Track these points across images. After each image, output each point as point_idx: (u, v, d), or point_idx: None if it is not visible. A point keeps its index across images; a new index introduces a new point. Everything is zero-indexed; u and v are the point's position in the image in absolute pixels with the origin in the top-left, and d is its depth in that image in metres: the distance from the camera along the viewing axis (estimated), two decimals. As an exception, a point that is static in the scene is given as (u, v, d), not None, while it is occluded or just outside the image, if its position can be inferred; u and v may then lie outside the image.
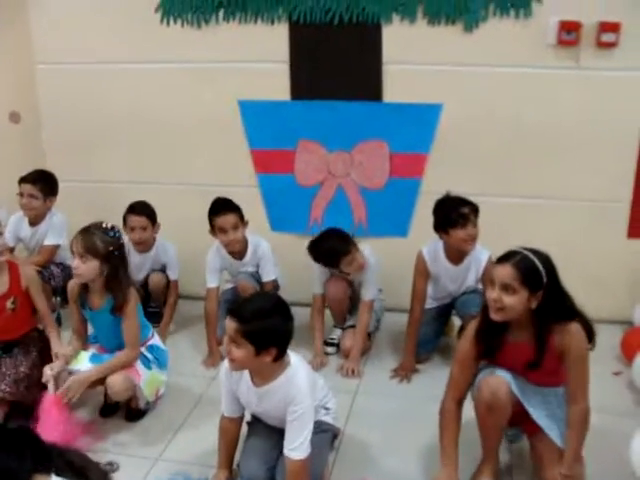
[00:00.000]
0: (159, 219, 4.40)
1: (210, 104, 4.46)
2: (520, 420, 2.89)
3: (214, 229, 4.08)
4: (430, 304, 4.03)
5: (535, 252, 2.70)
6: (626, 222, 4.25)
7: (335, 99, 4.31)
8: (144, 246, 4.41)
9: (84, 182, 4.83)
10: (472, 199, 3.76)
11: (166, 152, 4.64)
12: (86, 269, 3.26)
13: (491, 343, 2.79)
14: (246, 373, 2.83)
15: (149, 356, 3.51)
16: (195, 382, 3.84)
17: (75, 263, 3.26)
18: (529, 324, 2.71)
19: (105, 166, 4.78)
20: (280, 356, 2.71)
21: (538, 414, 2.83)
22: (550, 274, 2.66)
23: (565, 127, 4.12)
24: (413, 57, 4.17)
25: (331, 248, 3.97)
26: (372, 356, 4.16)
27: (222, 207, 4.06)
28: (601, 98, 4.03)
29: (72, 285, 3.46)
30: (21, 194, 4.46)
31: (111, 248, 3.28)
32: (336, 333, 4.26)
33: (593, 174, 4.17)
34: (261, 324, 2.62)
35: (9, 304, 3.46)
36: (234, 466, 3.01)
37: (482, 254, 3.87)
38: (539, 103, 4.11)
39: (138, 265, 4.44)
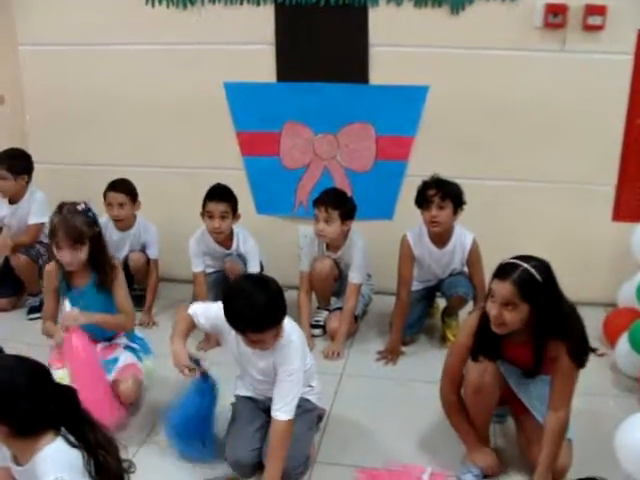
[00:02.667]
0: (144, 202, 4.38)
1: (196, 86, 4.43)
2: (508, 400, 2.91)
3: (204, 212, 4.07)
4: (415, 286, 4.02)
5: (534, 263, 2.61)
6: (611, 205, 4.27)
7: (321, 81, 4.29)
8: (123, 223, 4.37)
9: (67, 164, 4.79)
10: (458, 182, 3.76)
11: (151, 134, 4.61)
12: (78, 258, 3.22)
13: (490, 346, 2.77)
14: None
15: (135, 346, 3.47)
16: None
17: (67, 259, 3.20)
18: (529, 329, 2.68)
19: (89, 149, 4.74)
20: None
21: (526, 396, 2.85)
22: (550, 284, 2.62)
23: (551, 110, 4.12)
24: (399, 39, 4.15)
25: (341, 191, 4.14)
26: (358, 338, 4.16)
27: (217, 194, 4.06)
28: (587, 81, 4.04)
29: (50, 270, 3.38)
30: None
31: (97, 229, 3.26)
32: (321, 315, 4.26)
33: (579, 157, 4.18)
34: (282, 310, 2.71)
35: None
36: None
37: (466, 237, 3.88)
38: (525, 86, 4.10)
39: (117, 243, 4.41)
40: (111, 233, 4.38)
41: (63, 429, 2.24)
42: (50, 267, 3.39)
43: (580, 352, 2.68)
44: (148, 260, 4.46)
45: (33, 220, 4.48)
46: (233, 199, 4.09)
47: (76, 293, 3.33)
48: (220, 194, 4.07)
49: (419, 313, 4.10)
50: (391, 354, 3.91)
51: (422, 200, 3.76)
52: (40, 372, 2.25)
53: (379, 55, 4.21)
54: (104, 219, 4.36)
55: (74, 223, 3.17)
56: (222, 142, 4.51)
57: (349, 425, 3.31)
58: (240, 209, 4.12)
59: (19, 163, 4.46)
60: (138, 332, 3.61)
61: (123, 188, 4.31)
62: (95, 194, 4.28)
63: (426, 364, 3.76)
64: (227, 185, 4.12)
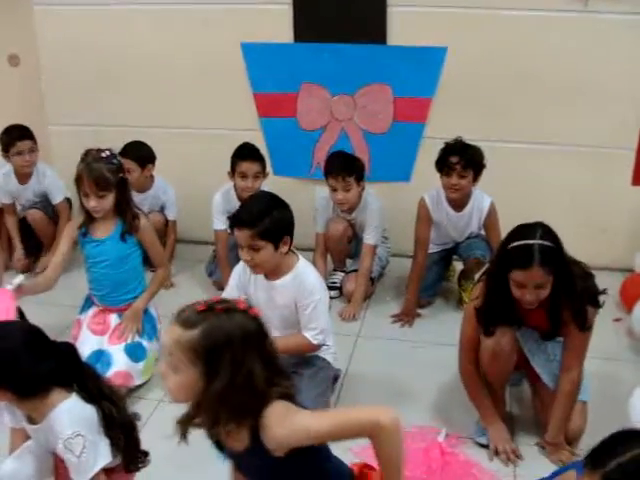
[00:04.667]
0: (161, 163, 4.37)
1: (212, 47, 4.40)
2: (523, 365, 2.91)
3: (234, 172, 4.06)
4: (432, 249, 4.01)
5: (540, 233, 2.59)
6: (631, 169, 4.21)
7: (339, 42, 4.24)
8: (135, 187, 4.33)
9: (83, 126, 4.75)
10: (477, 144, 3.73)
11: (168, 95, 4.59)
12: (105, 205, 3.22)
13: (504, 312, 2.76)
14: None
15: (140, 341, 3.37)
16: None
17: (92, 204, 3.19)
18: None
19: (105, 110, 4.72)
20: (291, 243, 2.86)
21: (539, 362, 2.85)
22: (560, 247, 2.61)
23: (571, 72, 4.06)
24: (418, -1, 4.10)
25: (346, 154, 4.07)
26: (374, 300, 4.17)
27: (250, 154, 4.05)
28: (609, 42, 3.97)
29: (74, 226, 3.38)
30: (20, 152, 4.36)
31: (120, 175, 3.26)
32: (337, 277, 4.27)
33: (599, 120, 4.12)
34: (269, 219, 2.76)
35: None
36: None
37: (484, 201, 3.86)
38: (545, 47, 4.04)
39: (136, 204, 4.40)
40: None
41: (76, 386, 2.28)
42: (73, 225, 3.41)
43: (582, 316, 2.67)
44: (166, 221, 4.47)
45: (58, 199, 4.52)
46: (263, 158, 4.10)
47: (96, 243, 3.33)
48: (252, 154, 4.06)
49: (436, 276, 4.10)
50: (406, 316, 3.92)
51: (443, 166, 3.73)
52: (34, 333, 2.27)
53: (397, 15, 4.15)
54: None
55: (99, 169, 3.17)
56: (239, 103, 4.49)
57: (364, 386, 3.33)
58: (258, 170, 4.11)
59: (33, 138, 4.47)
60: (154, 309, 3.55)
61: (131, 154, 4.25)
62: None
63: (442, 327, 3.76)
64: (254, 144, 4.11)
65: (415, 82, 4.27)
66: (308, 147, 4.51)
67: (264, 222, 2.75)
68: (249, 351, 1.84)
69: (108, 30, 4.55)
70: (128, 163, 4.22)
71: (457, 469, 2.79)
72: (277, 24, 4.29)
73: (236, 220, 2.84)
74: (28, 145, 4.38)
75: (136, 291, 3.43)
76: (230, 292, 3.04)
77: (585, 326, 2.68)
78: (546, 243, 2.56)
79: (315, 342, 2.91)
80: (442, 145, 3.77)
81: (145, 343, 3.37)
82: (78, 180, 3.19)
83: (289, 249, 2.87)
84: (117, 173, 3.24)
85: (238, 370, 1.82)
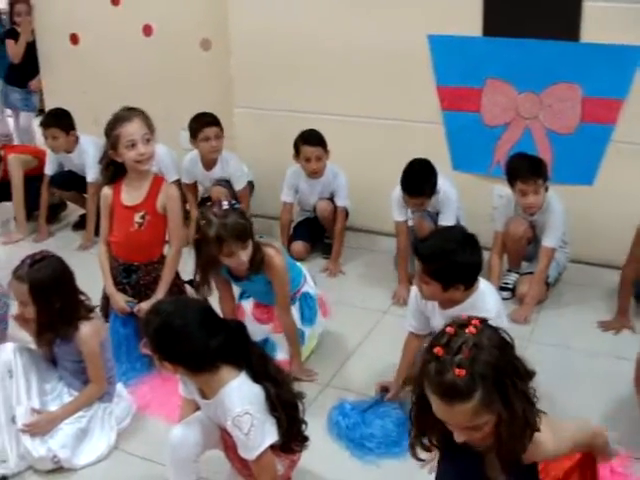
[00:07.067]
0: (338, 151, 4.41)
1: (398, 37, 4.37)
2: None
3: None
4: None
5: None
6: None
7: (529, 37, 4.11)
8: (319, 174, 4.42)
9: (269, 110, 4.88)
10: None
11: (351, 84, 4.61)
12: (249, 254, 3.03)
13: None
14: None
15: (301, 326, 3.41)
16: (366, 315, 3.88)
17: (243, 258, 2.98)
18: None
19: (290, 95, 4.80)
20: (469, 287, 2.79)
21: None
22: None
23: None
24: (617, -6, 3.91)
25: (531, 156, 3.92)
26: (548, 305, 4.01)
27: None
28: None
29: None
30: (207, 138, 4.55)
31: (251, 223, 3.10)
32: (510, 278, 4.16)
33: None
34: (444, 262, 2.70)
35: (137, 218, 3.24)
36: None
37: None
38: None
39: (306, 192, 4.53)
40: (300, 182, 4.50)
41: (245, 365, 2.36)
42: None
43: None
44: (335, 208, 4.48)
45: (239, 186, 4.68)
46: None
47: (238, 282, 3.33)
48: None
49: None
50: (618, 324, 3.73)
51: None
52: (206, 310, 2.39)
53: (593, 10, 3.96)
54: (296, 167, 4.49)
55: (236, 223, 2.95)
56: (420, 95, 4.44)
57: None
58: (436, 164, 4.04)
59: None
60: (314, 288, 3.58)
61: (319, 141, 4.33)
62: (293, 141, 4.38)
63: (620, 339, 3.62)
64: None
65: (607, 82, 4.07)
66: (489, 143, 4.40)
67: (437, 262, 2.72)
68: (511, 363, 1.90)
69: (298, 17, 4.63)
70: (318, 151, 4.35)
71: (627, 491, 2.67)
72: (466, 17, 4.20)
73: (415, 249, 2.87)
74: (215, 132, 4.56)
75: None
76: (411, 314, 3.08)
77: None
78: None
79: None
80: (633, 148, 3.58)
81: (305, 330, 3.42)
82: (218, 242, 2.93)
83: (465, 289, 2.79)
84: (247, 216, 3.09)
85: (515, 387, 1.88)
